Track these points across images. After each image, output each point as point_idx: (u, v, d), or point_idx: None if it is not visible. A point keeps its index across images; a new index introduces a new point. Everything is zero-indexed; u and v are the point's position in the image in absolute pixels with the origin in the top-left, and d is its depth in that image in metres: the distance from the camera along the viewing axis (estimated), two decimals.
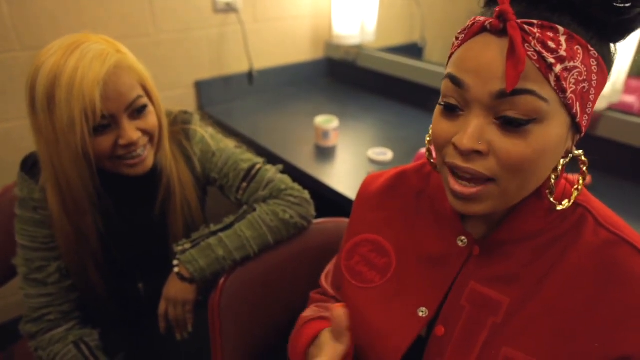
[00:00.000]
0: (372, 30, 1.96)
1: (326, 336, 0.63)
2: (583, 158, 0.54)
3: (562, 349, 0.53)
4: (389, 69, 1.90)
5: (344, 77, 2.17)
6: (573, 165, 0.54)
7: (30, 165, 0.92)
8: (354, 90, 2.07)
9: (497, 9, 0.46)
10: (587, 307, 0.52)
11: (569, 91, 0.46)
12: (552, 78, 0.45)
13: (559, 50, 0.45)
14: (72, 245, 0.91)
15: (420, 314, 0.62)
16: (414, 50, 2.17)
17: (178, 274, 0.92)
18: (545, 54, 0.45)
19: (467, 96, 0.49)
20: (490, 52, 0.47)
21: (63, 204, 0.86)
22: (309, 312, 0.77)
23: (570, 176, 0.59)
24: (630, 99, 1.32)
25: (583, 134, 0.52)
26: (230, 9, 1.76)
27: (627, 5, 0.45)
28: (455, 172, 0.52)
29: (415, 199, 0.69)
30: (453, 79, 0.50)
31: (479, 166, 0.49)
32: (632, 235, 0.54)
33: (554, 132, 0.47)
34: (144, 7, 1.57)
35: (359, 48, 2.00)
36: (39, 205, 0.90)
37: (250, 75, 1.93)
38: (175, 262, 0.94)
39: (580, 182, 0.55)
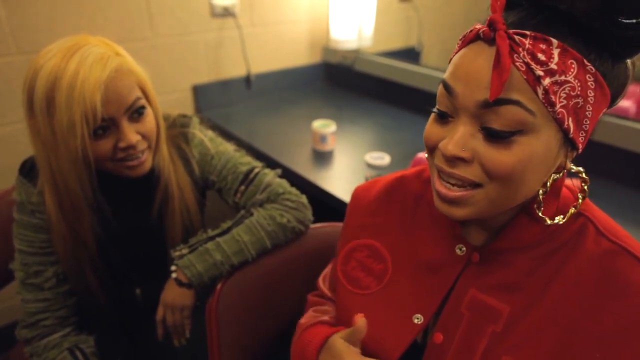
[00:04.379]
0: (370, 34, 1.97)
1: (341, 342, 0.63)
2: (584, 176, 0.53)
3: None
4: (386, 73, 1.90)
5: (341, 82, 2.17)
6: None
7: (28, 169, 0.91)
8: (352, 94, 2.07)
9: (488, 17, 0.46)
10: (588, 317, 0.52)
11: (558, 105, 0.45)
12: (540, 90, 0.45)
13: (549, 63, 0.44)
14: (69, 248, 0.90)
15: (416, 320, 0.62)
16: (411, 54, 2.18)
17: (176, 279, 0.92)
18: (534, 65, 0.44)
19: (456, 103, 0.49)
20: (480, 61, 0.47)
21: (60, 206, 0.86)
22: (307, 318, 0.77)
23: (571, 182, 0.59)
24: (626, 103, 1.33)
25: (581, 151, 0.51)
26: (227, 13, 1.77)
27: (633, 21, 0.43)
28: (441, 175, 0.53)
29: (414, 204, 0.69)
30: (445, 85, 0.50)
31: (464, 171, 0.50)
32: (634, 245, 0.54)
33: (540, 144, 0.47)
34: (141, 11, 1.57)
35: (356, 52, 2.01)
36: (36, 209, 0.90)
37: (247, 80, 1.93)
38: (173, 268, 0.93)
39: (580, 200, 0.54)
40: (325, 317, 0.74)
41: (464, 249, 0.61)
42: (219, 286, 0.91)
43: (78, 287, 0.95)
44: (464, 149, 0.49)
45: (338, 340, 0.63)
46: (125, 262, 1.00)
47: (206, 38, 1.76)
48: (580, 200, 0.54)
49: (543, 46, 0.45)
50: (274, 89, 2.05)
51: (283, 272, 0.99)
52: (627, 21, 0.44)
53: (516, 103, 0.45)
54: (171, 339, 0.97)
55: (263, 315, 0.98)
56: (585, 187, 0.54)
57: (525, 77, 0.45)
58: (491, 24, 0.46)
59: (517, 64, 0.45)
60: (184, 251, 0.94)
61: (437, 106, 0.52)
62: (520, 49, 0.45)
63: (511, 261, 0.57)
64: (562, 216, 0.54)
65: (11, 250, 0.93)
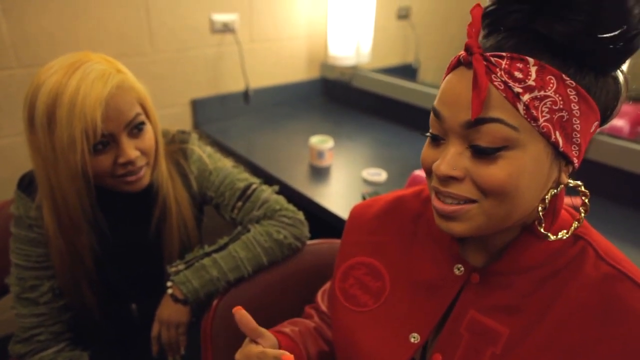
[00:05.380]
0: (367, 51, 1.99)
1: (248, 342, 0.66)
2: (583, 189, 0.54)
3: None
4: (383, 89, 1.92)
5: (339, 97, 2.19)
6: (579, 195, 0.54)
7: (27, 183, 0.92)
8: (349, 110, 2.09)
9: (465, 43, 0.49)
10: (588, 342, 0.52)
11: (541, 119, 0.47)
12: (520, 107, 0.46)
13: (527, 80, 0.46)
14: (66, 263, 0.90)
15: (412, 339, 0.62)
16: (408, 71, 2.20)
17: (172, 295, 0.92)
18: (512, 83, 0.46)
19: (444, 126, 0.51)
20: (461, 84, 0.49)
21: (58, 221, 0.86)
22: (279, 325, 0.78)
23: (570, 201, 0.59)
24: (619, 122, 1.34)
25: (577, 165, 0.52)
26: (227, 29, 1.79)
27: (611, 34, 0.45)
28: (438, 195, 0.54)
29: (413, 223, 0.70)
30: (434, 111, 0.53)
31: (458, 190, 0.51)
32: (633, 270, 0.54)
33: (529, 158, 0.48)
34: (141, 27, 1.59)
35: (354, 69, 2.03)
36: (34, 223, 0.90)
37: (246, 94, 1.95)
38: (169, 284, 0.93)
39: (582, 214, 0.54)
40: (286, 329, 0.75)
41: (462, 268, 0.61)
42: (214, 302, 0.91)
43: (74, 303, 0.95)
44: (454, 168, 0.51)
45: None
46: (122, 277, 1.00)
47: (205, 53, 1.78)
48: (582, 215, 0.54)
49: (520, 65, 0.47)
50: (272, 104, 2.07)
51: (279, 289, 0.99)
52: (606, 35, 0.45)
53: (497, 120, 0.47)
54: (166, 355, 0.96)
55: None
56: (587, 201, 0.54)
57: (504, 95, 0.47)
58: (467, 49, 0.49)
59: (495, 83, 0.47)
60: (180, 267, 0.94)
61: (430, 130, 0.55)
62: (497, 69, 0.47)
63: (511, 283, 0.57)
64: (565, 231, 0.54)
65: (6, 264, 0.93)
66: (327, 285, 0.86)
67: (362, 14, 1.89)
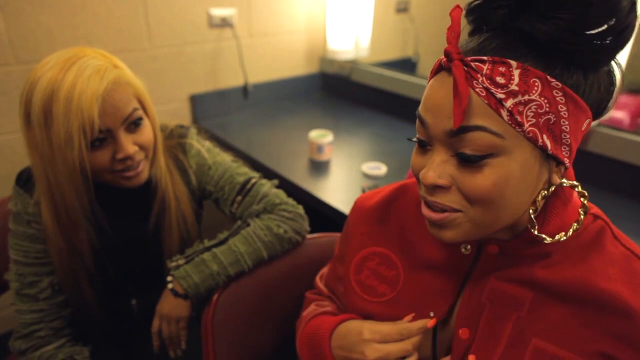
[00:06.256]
0: (366, 45, 1.98)
1: (358, 321, 0.68)
2: (579, 189, 0.52)
3: (592, 344, 0.53)
4: (382, 83, 1.92)
5: (338, 92, 2.18)
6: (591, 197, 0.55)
7: (25, 179, 0.91)
8: (348, 104, 2.08)
9: (445, 48, 0.48)
10: (618, 304, 0.52)
11: (527, 125, 0.45)
12: (504, 113, 0.45)
13: (510, 85, 0.45)
14: (65, 260, 0.90)
15: (432, 315, 0.64)
16: (407, 65, 2.19)
17: (172, 289, 0.92)
18: (494, 89, 0.45)
19: (429, 133, 0.51)
20: (443, 91, 0.48)
21: (57, 218, 0.86)
22: (310, 310, 0.79)
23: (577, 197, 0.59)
24: (619, 114, 1.34)
25: (569, 165, 0.51)
26: (225, 24, 1.78)
27: (598, 30, 0.43)
28: (427, 203, 0.54)
29: (417, 208, 0.70)
30: (419, 117, 0.52)
31: (444, 199, 0.51)
32: None
33: (516, 165, 0.47)
34: (139, 22, 1.58)
35: (353, 63, 2.02)
36: (33, 220, 0.90)
37: (245, 89, 1.94)
38: (169, 278, 0.93)
39: (582, 216, 0.53)
40: (329, 309, 0.76)
41: (468, 247, 0.62)
42: (215, 297, 0.91)
43: (73, 298, 0.95)
44: (441, 177, 0.50)
45: (354, 322, 0.68)
46: (122, 273, 0.99)
47: (204, 48, 1.77)
48: (582, 217, 0.53)
49: (502, 69, 0.45)
50: (271, 99, 2.06)
51: (279, 283, 0.99)
52: (593, 32, 0.44)
53: (481, 129, 0.46)
54: (167, 350, 0.96)
55: (259, 326, 0.98)
56: (585, 202, 0.53)
57: (486, 101, 0.45)
58: (447, 54, 0.47)
59: (477, 90, 0.46)
60: (180, 262, 0.94)
61: (416, 135, 0.54)
62: (479, 75, 0.45)
63: (531, 254, 0.57)
64: (563, 233, 0.53)
65: (5, 260, 0.93)
66: (325, 270, 0.87)
67: (361, 8, 1.88)
